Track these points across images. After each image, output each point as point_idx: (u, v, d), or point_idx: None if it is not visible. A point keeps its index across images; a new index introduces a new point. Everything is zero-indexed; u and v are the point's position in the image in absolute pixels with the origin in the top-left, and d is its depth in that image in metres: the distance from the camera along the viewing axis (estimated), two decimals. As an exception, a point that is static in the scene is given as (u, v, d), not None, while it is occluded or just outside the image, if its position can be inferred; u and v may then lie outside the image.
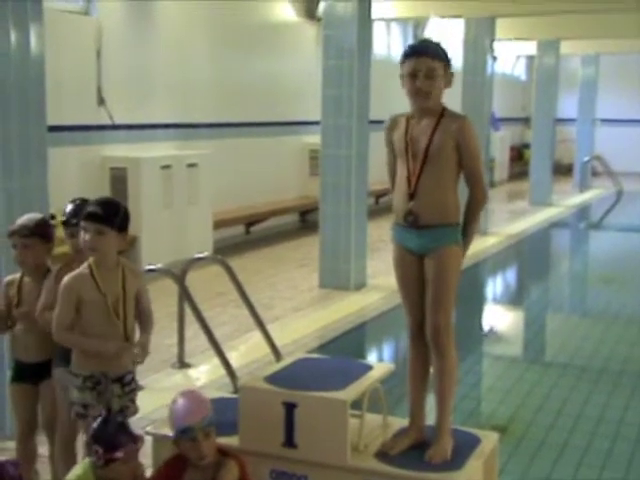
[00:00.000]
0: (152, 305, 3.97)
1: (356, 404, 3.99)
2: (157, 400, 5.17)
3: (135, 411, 3.94)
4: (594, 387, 6.31)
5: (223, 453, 3.50)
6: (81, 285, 3.71)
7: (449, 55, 3.91)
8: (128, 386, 3.85)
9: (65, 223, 4.06)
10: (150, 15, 10.19)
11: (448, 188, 3.92)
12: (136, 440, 3.37)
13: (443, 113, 3.93)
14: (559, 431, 5.38)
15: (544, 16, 14.16)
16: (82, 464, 3.44)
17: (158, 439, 4.02)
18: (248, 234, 12.02)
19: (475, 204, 4.01)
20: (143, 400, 5.16)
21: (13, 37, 4.87)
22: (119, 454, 3.29)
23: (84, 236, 3.71)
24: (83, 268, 3.75)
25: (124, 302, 3.76)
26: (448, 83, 3.91)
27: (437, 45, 3.92)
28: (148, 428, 4.26)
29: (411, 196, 3.92)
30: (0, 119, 4.81)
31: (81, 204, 3.99)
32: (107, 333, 3.72)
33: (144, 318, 3.91)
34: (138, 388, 3.97)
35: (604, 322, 8.43)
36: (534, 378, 6.57)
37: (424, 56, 3.85)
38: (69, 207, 4.07)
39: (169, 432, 3.65)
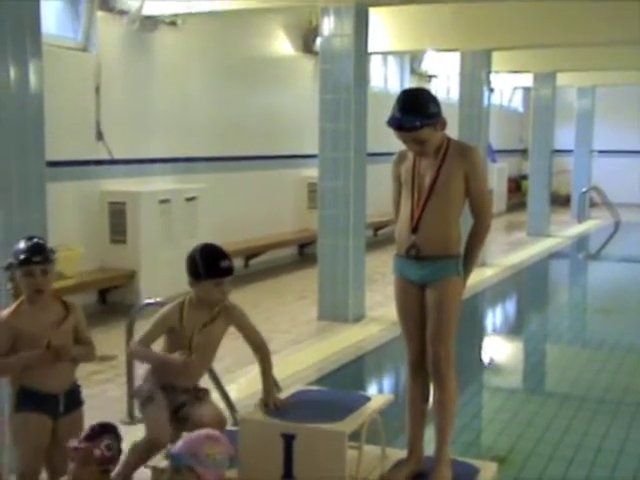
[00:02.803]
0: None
1: (354, 435, 3.99)
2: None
3: None
4: (593, 417, 6.29)
5: None
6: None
7: (432, 106, 3.84)
8: None
9: (25, 262, 3.88)
10: (149, 51, 10.28)
11: (451, 221, 3.95)
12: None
13: (448, 145, 3.96)
14: (559, 461, 5.37)
15: (540, 49, 14.28)
16: None
17: (157, 473, 4.03)
18: (247, 267, 12.03)
19: (480, 232, 4.04)
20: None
21: (12, 73, 4.91)
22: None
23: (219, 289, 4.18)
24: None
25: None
26: (442, 128, 3.92)
27: (414, 109, 3.82)
28: (147, 461, 4.25)
29: (414, 230, 3.95)
30: (-1, 154, 4.85)
31: (39, 243, 3.98)
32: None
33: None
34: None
35: (603, 352, 8.42)
36: (533, 409, 6.56)
37: (402, 131, 3.87)
38: (24, 244, 3.94)
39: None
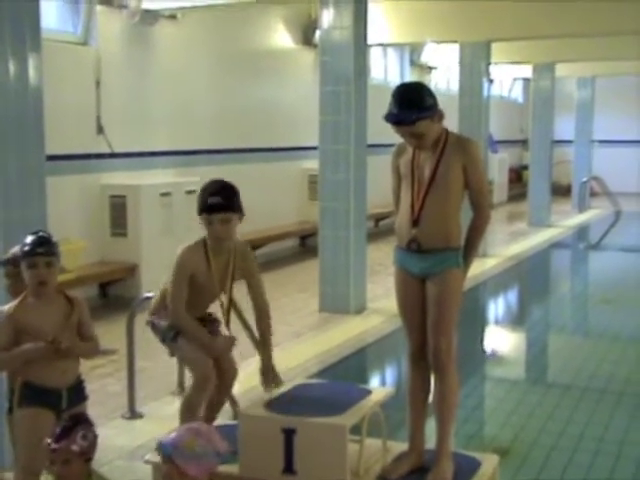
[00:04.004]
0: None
1: (355, 429, 3.99)
2: (156, 428, 5.16)
3: None
4: (596, 407, 6.29)
5: None
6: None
7: (428, 99, 3.82)
8: None
9: (29, 253, 3.84)
10: (149, 44, 10.26)
11: (451, 214, 3.95)
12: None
13: (447, 138, 3.95)
14: (562, 451, 5.37)
15: (539, 40, 14.25)
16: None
17: (157, 467, 4.02)
18: (248, 260, 12.02)
19: (480, 224, 4.04)
20: (143, 428, 5.16)
21: (12, 68, 4.90)
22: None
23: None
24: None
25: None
26: (439, 120, 3.91)
27: (410, 104, 3.81)
28: (148, 456, 4.26)
29: (414, 223, 3.94)
30: (-1, 150, 4.84)
31: (44, 236, 3.95)
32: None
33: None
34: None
35: (605, 342, 8.42)
36: (536, 399, 6.56)
37: (400, 125, 3.86)
38: (29, 238, 3.89)
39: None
